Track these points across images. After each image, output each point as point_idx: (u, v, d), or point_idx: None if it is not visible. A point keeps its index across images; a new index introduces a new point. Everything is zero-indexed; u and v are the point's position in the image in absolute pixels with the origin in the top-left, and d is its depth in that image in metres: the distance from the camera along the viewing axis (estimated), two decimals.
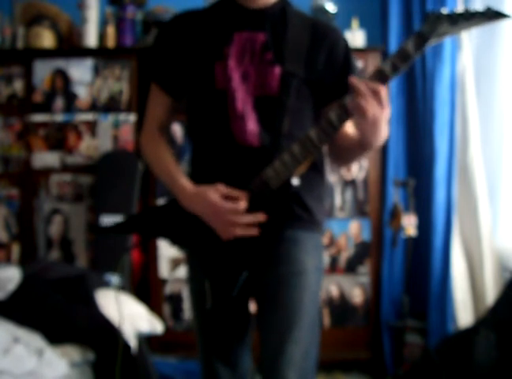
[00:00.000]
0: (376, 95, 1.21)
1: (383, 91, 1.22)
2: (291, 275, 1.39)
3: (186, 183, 1.38)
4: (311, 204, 1.42)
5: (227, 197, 1.33)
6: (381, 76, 1.23)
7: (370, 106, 1.21)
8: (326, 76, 1.41)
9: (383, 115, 1.24)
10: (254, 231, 1.33)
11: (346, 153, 1.45)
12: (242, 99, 1.37)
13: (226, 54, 1.38)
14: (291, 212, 1.40)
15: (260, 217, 1.32)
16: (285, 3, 1.45)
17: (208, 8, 1.49)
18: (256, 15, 1.41)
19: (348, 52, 1.45)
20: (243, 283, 1.42)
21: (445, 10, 1.21)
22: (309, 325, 1.40)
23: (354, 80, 1.22)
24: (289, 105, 1.36)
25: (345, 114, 1.26)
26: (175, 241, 1.46)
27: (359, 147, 1.36)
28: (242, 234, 1.33)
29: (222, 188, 1.33)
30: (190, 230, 1.42)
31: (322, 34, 1.42)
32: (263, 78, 1.37)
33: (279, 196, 1.33)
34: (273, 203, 1.34)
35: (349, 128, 1.41)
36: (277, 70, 1.36)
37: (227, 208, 1.31)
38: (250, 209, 1.33)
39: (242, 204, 1.32)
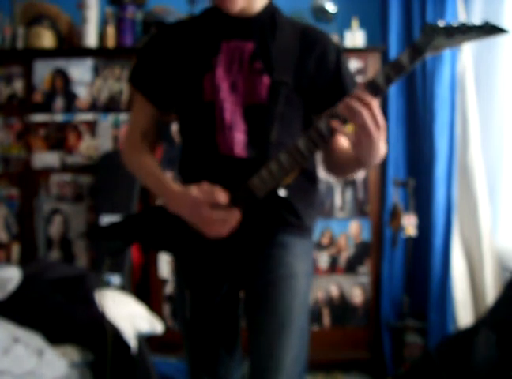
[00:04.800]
0: (367, 106, 1.16)
1: (374, 103, 1.17)
2: (281, 278, 1.38)
3: (172, 184, 1.35)
4: (301, 209, 1.40)
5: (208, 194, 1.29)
6: (373, 88, 1.18)
7: (359, 121, 1.16)
8: (318, 83, 1.39)
9: (378, 132, 1.18)
10: (234, 220, 1.28)
11: (342, 167, 1.42)
12: (231, 110, 1.34)
13: (214, 64, 1.36)
14: (281, 217, 1.38)
15: (235, 214, 1.28)
16: (274, 9, 1.42)
17: (197, 17, 1.47)
18: (244, 24, 1.38)
19: (339, 57, 1.42)
20: (230, 291, 1.41)
21: (441, 23, 1.18)
22: (299, 330, 1.38)
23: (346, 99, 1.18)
24: (278, 112, 1.34)
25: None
26: (158, 247, 1.46)
27: (355, 163, 1.33)
28: (220, 230, 1.28)
29: (205, 185, 1.29)
30: (173, 238, 1.40)
31: (312, 40, 1.40)
32: (252, 88, 1.35)
33: (265, 204, 1.30)
34: (262, 209, 1.32)
35: (346, 142, 1.37)
36: (266, 80, 1.34)
37: (205, 200, 1.27)
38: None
39: (221, 198, 1.27)
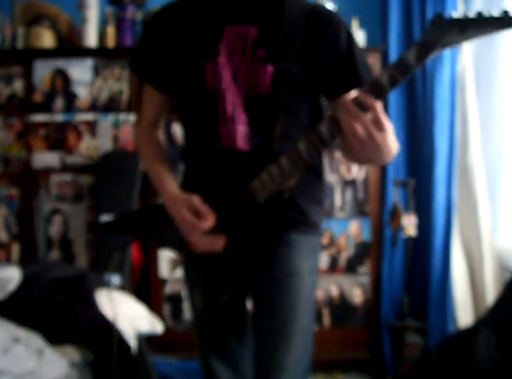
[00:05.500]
0: (370, 110, 1.08)
1: (378, 106, 1.08)
2: (285, 277, 1.36)
3: (170, 186, 1.35)
4: (307, 206, 1.36)
5: (196, 213, 1.28)
6: (376, 90, 1.08)
7: (360, 126, 1.08)
8: (329, 67, 1.31)
9: (383, 136, 1.10)
10: (217, 246, 1.29)
11: (353, 157, 1.34)
12: (233, 100, 1.30)
13: (216, 50, 1.30)
14: (286, 215, 1.35)
15: (218, 242, 1.28)
16: None
17: None
18: (248, 6, 1.31)
19: (350, 37, 1.32)
20: (236, 290, 1.41)
21: (455, 14, 1.02)
22: (302, 331, 1.37)
23: (345, 99, 1.11)
24: (282, 104, 1.28)
25: (337, 130, 1.13)
26: (163, 244, 1.46)
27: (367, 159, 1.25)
28: (203, 250, 1.30)
29: (195, 201, 1.28)
30: (176, 236, 1.39)
31: (321, 23, 1.30)
32: (254, 77, 1.29)
33: (269, 203, 1.27)
34: (266, 209, 1.29)
35: None
36: (270, 69, 1.28)
37: (190, 223, 1.27)
38: (241, 217, 1.29)
39: (206, 225, 1.26)
